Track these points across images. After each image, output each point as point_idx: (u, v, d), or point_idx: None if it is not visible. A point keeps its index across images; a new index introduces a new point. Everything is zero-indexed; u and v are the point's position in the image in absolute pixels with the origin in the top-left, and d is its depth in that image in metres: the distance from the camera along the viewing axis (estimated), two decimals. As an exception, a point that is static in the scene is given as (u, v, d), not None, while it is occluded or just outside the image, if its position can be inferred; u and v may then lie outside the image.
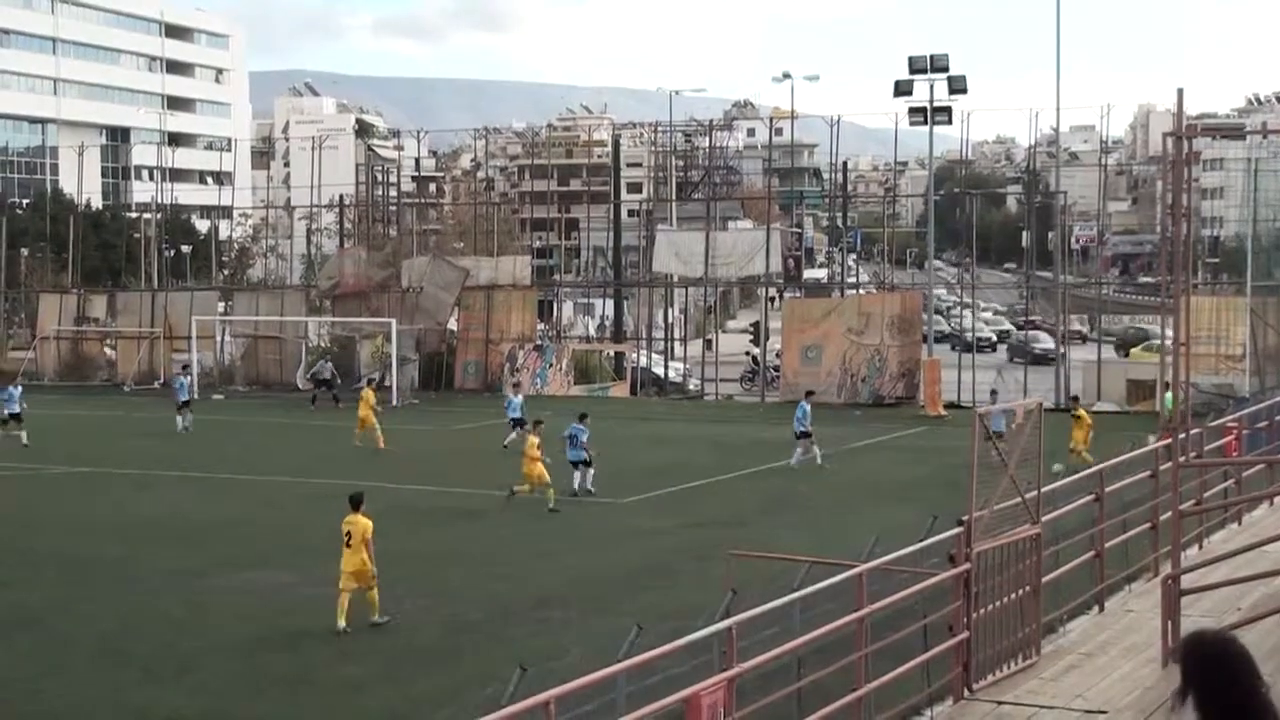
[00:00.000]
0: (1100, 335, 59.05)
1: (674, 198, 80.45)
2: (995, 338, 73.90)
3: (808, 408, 36.34)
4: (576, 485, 31.17)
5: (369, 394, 41.29)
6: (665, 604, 20.16)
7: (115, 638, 19.75)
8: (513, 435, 39.81)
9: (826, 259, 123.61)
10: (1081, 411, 35.17)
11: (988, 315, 74.92)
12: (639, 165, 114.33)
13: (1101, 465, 18.54)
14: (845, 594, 13.40)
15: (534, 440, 29.56)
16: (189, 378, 45.66)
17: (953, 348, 56.52)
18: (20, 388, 42.74)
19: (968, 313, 66.70)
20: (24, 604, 21.62)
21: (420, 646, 19.09)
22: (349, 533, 19.80)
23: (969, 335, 59.43)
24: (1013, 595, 14.85)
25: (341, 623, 19.59)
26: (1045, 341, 62.64)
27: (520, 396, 42.36)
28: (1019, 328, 65.24)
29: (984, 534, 14.36)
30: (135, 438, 44.00)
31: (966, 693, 14.23)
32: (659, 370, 59.55)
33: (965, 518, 14.32)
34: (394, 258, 62.36)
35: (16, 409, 41.06)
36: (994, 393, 38.90)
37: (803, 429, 35.87)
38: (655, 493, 29.96)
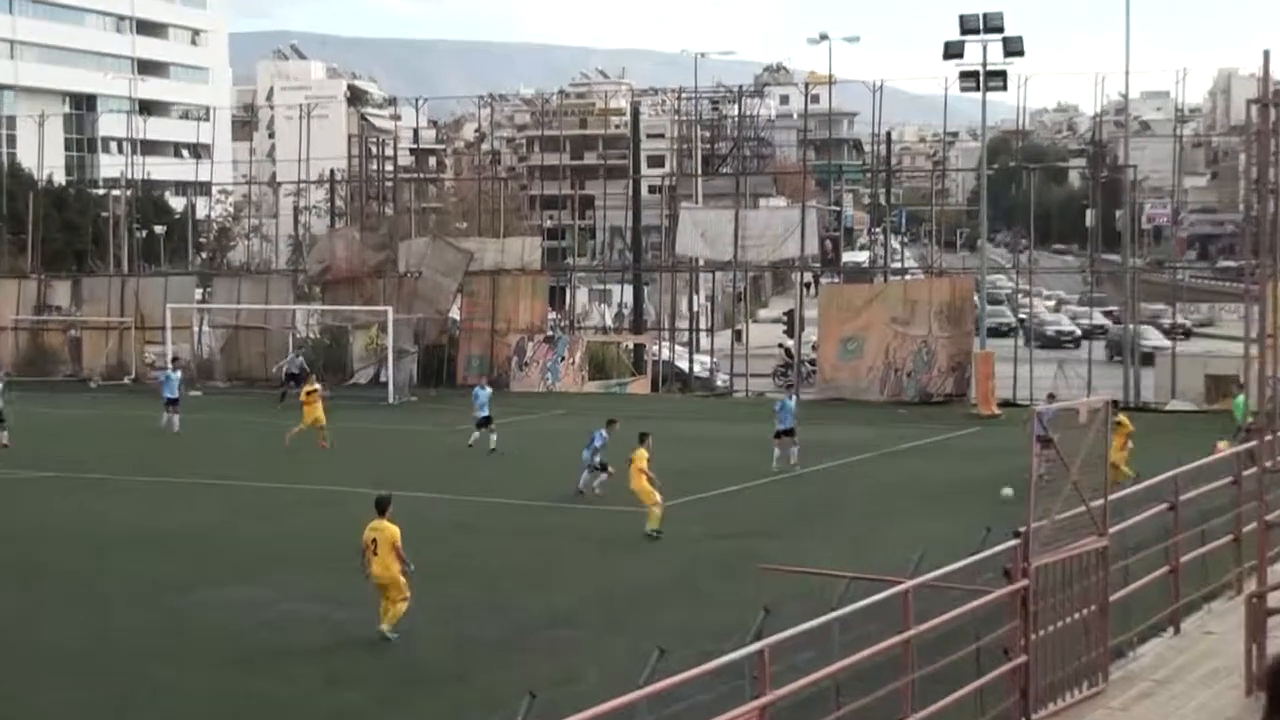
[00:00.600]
0: (1174, 325, 58.93)
1: (699, 173, 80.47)
2: (1079, 332, 68.60)
3: (791, 404, 37.26)
4: (582, 485, 31.97)
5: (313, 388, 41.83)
6: (690, 623, 20.17)
7: (83, 658, 19.83)
8: (477, 435, 40.08)
9: (868, 240, 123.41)
10: (1122, 417, 32.15)
11: (1075, 308, 72.81)
12: (661, 136, 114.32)
13: (1176, 471, 18.48)
14: (889, 613, 13.42)
15: (643, 454, 28.27)
16: (178, 373, 45.32)
17: (1026, 343, 55.99)
18: (2, 383, 42.59)
19: (1037, 302, 66.17)
20: (-17, 622, 21.70)
21: (421, 669, 19.15)
22: (374, 540, 20.00)
23: (1048, 329, 58.98)
24: (1076, 615, 14.85)
25: (385, 626, 19.99)
26: (1154, 338, 60.94)
27: (489, 390, 42.49)
28: (1116, 321, 63.77)
29: (1044, 547, 14.35)
30: (105, 438, 44.20)
31: (1025, 722, 14.23)
32: (683, 364, 59.56)
33: (1023, 529, 14.32)
34: (390, 239, 62.49)
35: None
36: (1052, 396, 38.71)
37: (787, 426, 36.44)
38: (679, 500, 29.94)
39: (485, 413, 40.61)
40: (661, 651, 12.20)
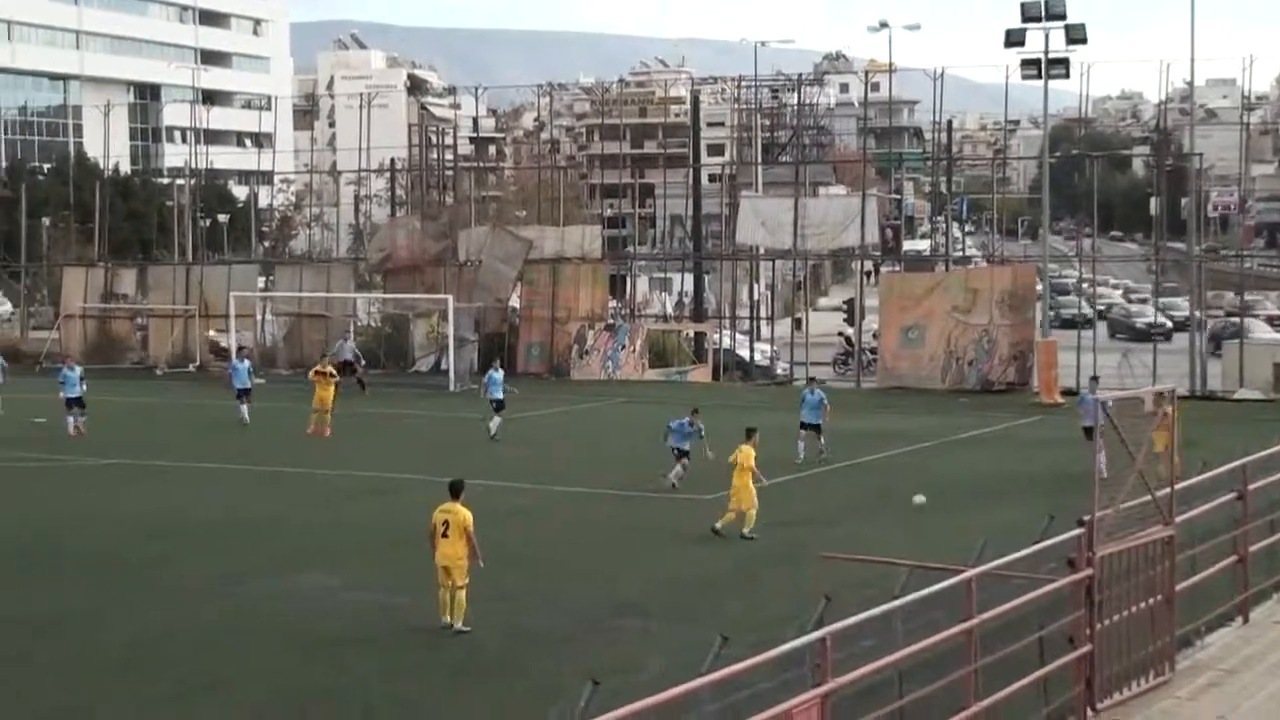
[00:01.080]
0: (1243, 313, 58.28)
1: (759, 161, 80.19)
2: (1169, 324, 62.86)
3: (814, 397, 36.25)
4: (672, 477, 31.25)
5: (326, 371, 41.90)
6: (752, 612, 20.18)
7: (144, 648, 19.98)
8: (496, 420, 40.01)
9: (929, 229, 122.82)
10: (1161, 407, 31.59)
11: (1170, 300, 70.32)
12: (720, 125, 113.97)
13: (1244, 460, 18.30)
14: (952, 602, 13.36)
15: (749, 452, 27.14)
16: (245, 362, 44.71)
17: (1111, 335, 55.16)
18: (79, 368, 42.73)
19: (1113, 293, 65.16)
20: (45, 610, 21.92)
21: (481, 659, 19.20)
22: (446, 523, 20.03)
23: (1136, 321, 58.08)
24: (1142, 604, 14.74)
25: (446, 618, 19.99)
26: (1266, 331, 59.13)
27: (501, 372, 42.62)
28: (1228, 314, 62.27)
29: (1109, 536, 14.24)
30: (170, 426, 44.55)
31: (1090, 712, 14.15)
32: (743, 353, 59.44)
33: (1087, 518, 14.22)
34: (450, 228, 62.60)
35: (77, 393, 41.27)
36: (1095, 379, 38.30)
37: (814, 421, 35.58)
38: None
39: (499, 394, 40.72)
40: (724, 639, 12.18)
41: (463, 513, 20.14)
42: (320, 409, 41.06)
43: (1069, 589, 14.18)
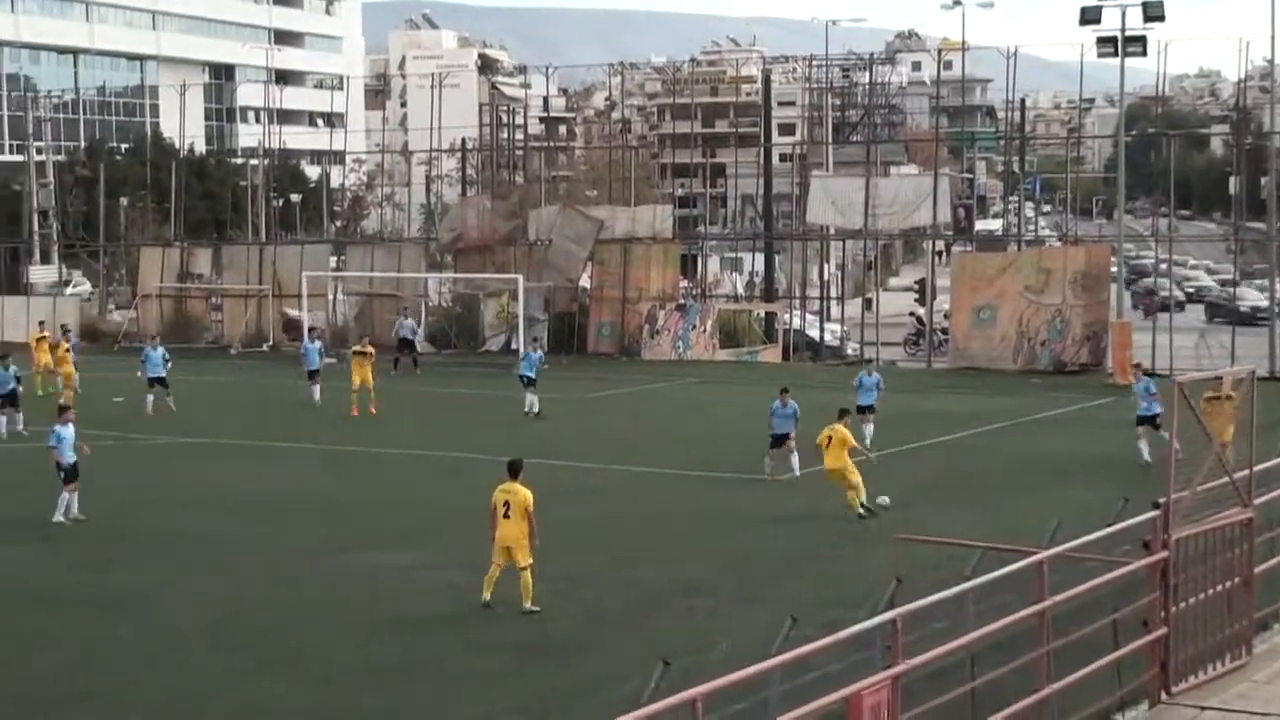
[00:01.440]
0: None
1: (830, 140, 79.94)
2: None
3: (871, 379, 35.71)
4: (768, 469, 30.34)
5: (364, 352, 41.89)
6: (822, 593, 20.19)
7: (225, 623, 20.23)
8: (532, 400, 40.23)
9: (1001, 208, 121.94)
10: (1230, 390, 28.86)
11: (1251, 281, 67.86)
12: (792, 104, 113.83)
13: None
14: (1024, 584, 13.32)
15: (845, 431, 27.06)
16: (317, 343, 44.71)
17: (1210, 319, 53.84)
18: (162, 347, 43.16)
19: (1194, 273, 63.72)
20: (129, 586, 22.25)
21: (553, 636, 19.31)
22: (507, 503, 20.05)
23: (1239, 305, 56.78)
24: (1219, 587, 14.63)
25: (487, 595, 20.04)
26: None
27: (540, 352, 42.56)
28: None
29: (1185, 519, 14.13)
30: (245, 405, 44.98)
31: (1165, 696, 14.05)
32: (814, 333, 59.27)
33: (1162, 500, 14.11)
34: (521, 207, 62.78)
35: (162, 373, 41.70)
36: (1138, 366, 37.76)
37: (869, 402, 34.85)
38: (810, 469, 29.86)
39: (532, 372, 41.02)
40: (794, 621, 12.20)
41: (523, 492, 20.15)
42: (365, 388, 41.06)
43: (1144, 572, 14.08)
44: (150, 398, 41.31)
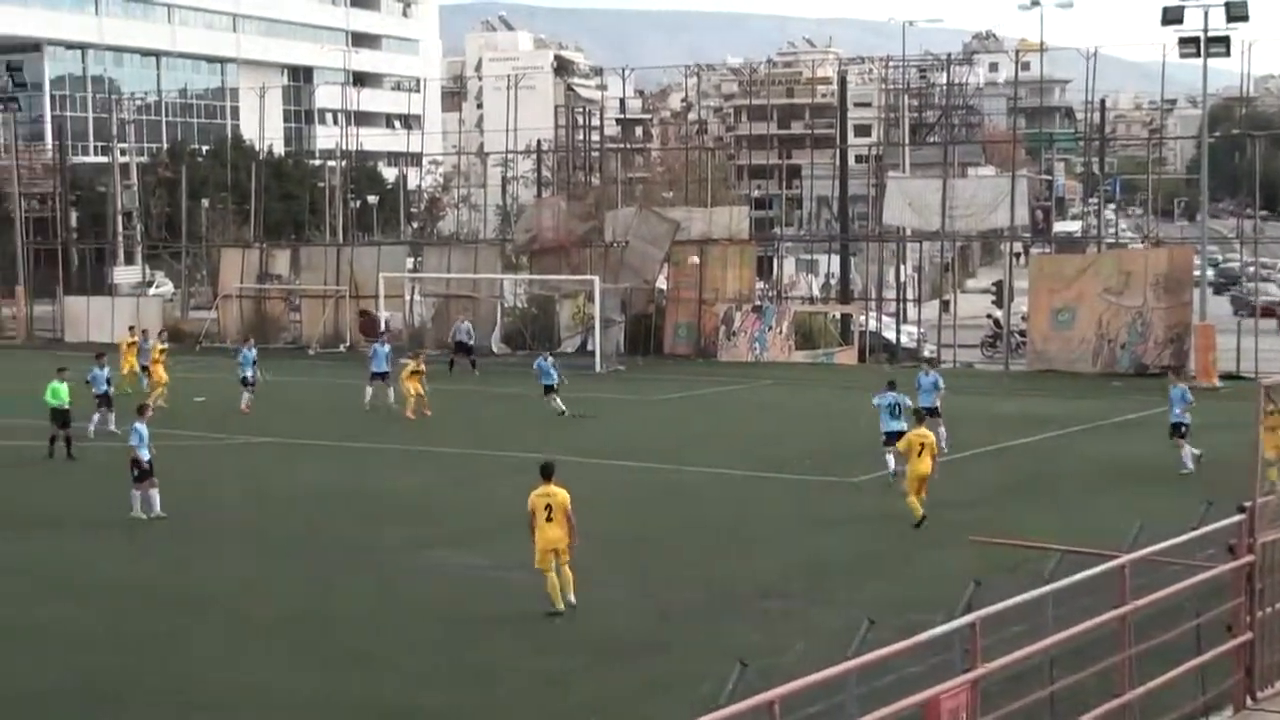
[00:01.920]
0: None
1: (907, 141, 79.44)
2: None
3: (928, 379, 34.61)
4: (894, 469, 29.44)
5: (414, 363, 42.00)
6: (899, 595, 20.05)
7: (296, 621, 20.37)
8: (555, 399, 40.82)
9: (1081, 210, 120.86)
10: None
11: None
12: (868, 105, 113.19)
13: None
14: (1105, 588, 13.16)
15: (932, 437, 26.68)
16: (386, 346, 44.36)
17: None
18: (254, 349, 43.80)
19: None
20: (201, 584, 22.46)
21: (626, 638, 19.27)
22: (549, 505, 19.97)
23: None
24: (1306, 593, 14.38)
25: (561, 605, 19.94)
26: None
27: (549, 359, 42.97)
28: None
29: (1271, 522, 13.92)
30: (321, 406, 45.26)
31: (1249, 702, 13.86)
32: (890, 335, 59.00)
33: (1248, 504, 13.90)
34: (597, 209, 62.84)
35: (250, 373, 42.33)
36: (1179, 369, 37.09)
37: (929, 405, 33.11)
38: (885, 470, 29.73)
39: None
40: (870, 623, 12.11)
41: (562, 494, 20.04)
42: (410, 395, 41.11)
43: (1228, 576, 13.89)
44: (246, 395, 42.05)
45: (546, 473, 20.28)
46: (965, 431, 35.25)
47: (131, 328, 51.49)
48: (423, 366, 42.19)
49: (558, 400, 41.04)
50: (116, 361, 43.79)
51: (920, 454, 25.87)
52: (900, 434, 28.38)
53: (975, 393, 45.68)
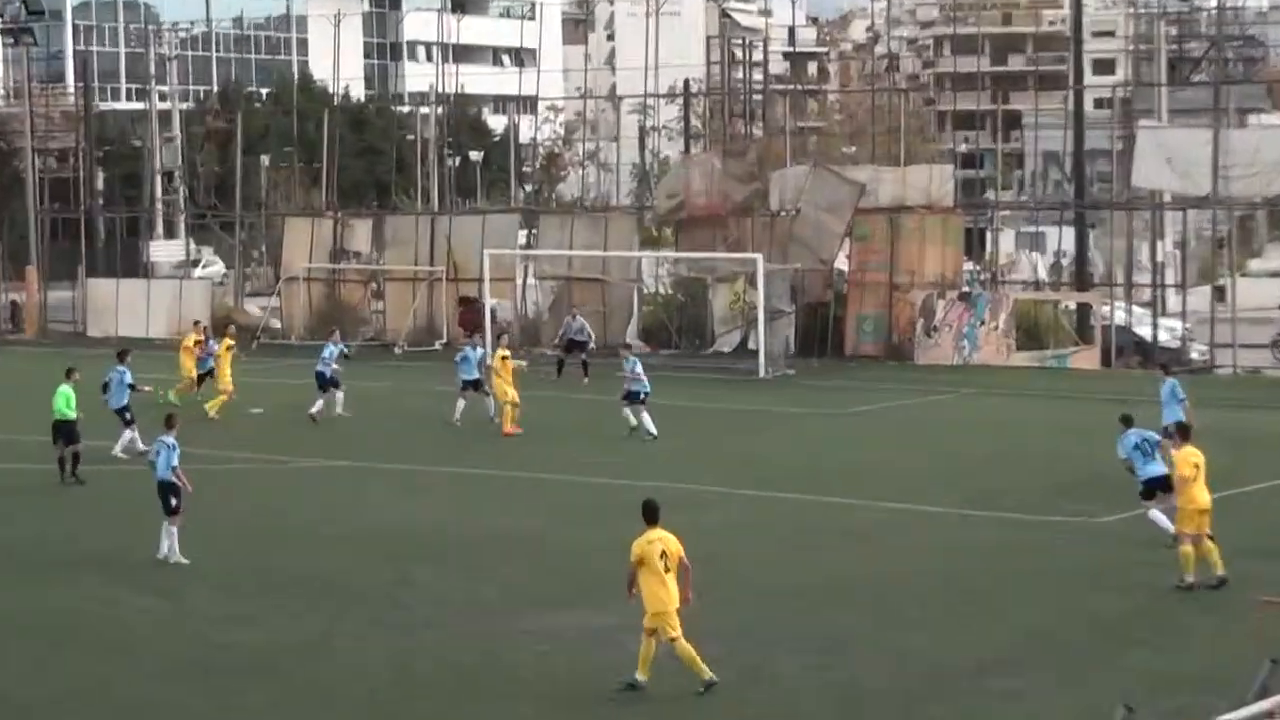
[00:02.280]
0: None
1: (1164, 81, 78.43)
2: None
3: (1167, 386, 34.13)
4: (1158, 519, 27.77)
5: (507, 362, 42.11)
6: (1164, 669, 19.86)
7: (382, 694, 20.40)
8: (641, 418, 40.16)
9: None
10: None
11: None
12: (1110, 35, 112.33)
13: None
14: None
15: (1195, 453, 25.38)
16: (479, 350, 44.68)
17: None
18: (340, 344, 44.88)
19: None
20: (267, 645, 22.61)
21: (800, 721, 19.02)
22: (664, 552, 19.70)
23: None
24: None
25: (643, 677, 19.80)
26: None
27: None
28: None
29: None
30: (408, 420, 45.44)
31: None
32: (1143, 331, 58.26)
33: None
34: (760, 168, 62.65)
35: (329, 370, 43.23)
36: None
37: (1177, 419, 32.19)
38: (1140, 510, 29.14)
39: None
40: (1128, 710, 11.87)
41: (675, 541, 19.87)
42: (504, 400, 41.38)
43: None
44: (320, 402, 42.86)
45: (651, 515, 20.08)
46: (1252, 458, 34.63)
47: (197, 323, 51.12)
48: (507, 352, 42.47)
49: (646, 417, 40.16)
50: (140, 364, 44.47)
51: (1194, 480, 25.03)
52: (1164, 478, 27.36)
53: (1265, 407, 45.00)
